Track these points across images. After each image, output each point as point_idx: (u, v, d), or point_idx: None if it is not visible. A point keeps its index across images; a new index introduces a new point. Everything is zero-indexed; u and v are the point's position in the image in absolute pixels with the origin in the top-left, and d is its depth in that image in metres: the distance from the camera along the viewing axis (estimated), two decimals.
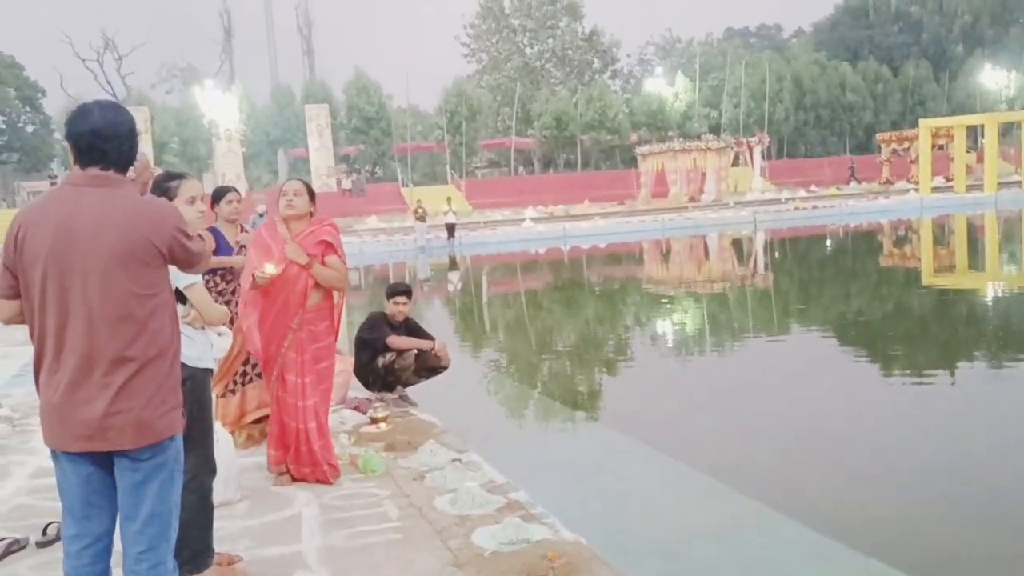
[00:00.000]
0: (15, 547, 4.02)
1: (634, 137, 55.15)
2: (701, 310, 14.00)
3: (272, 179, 53.04)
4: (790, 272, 19.00)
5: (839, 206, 33.63)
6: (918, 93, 63.73)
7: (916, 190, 38.06)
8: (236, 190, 5.66)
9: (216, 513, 3.63)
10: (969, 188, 37.46)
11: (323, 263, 4.78)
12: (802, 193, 41.66)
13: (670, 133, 54.03)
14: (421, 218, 27.18)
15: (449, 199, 28.71)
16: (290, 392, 4.80)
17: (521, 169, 59.77)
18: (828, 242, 25.66)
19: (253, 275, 4.67)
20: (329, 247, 4.82)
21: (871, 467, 5.77)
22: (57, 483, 2.69)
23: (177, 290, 3.10)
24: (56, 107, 54.57)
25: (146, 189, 2.83)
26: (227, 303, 5.21)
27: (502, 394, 8.94)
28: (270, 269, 4.62)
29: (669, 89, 59.20)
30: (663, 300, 15.31)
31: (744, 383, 8.57)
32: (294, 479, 4.87)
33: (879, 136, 49.26)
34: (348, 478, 4.93)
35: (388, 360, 6.66)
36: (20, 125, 57.15)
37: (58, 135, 51.67)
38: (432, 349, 6.73)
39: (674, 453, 6.09)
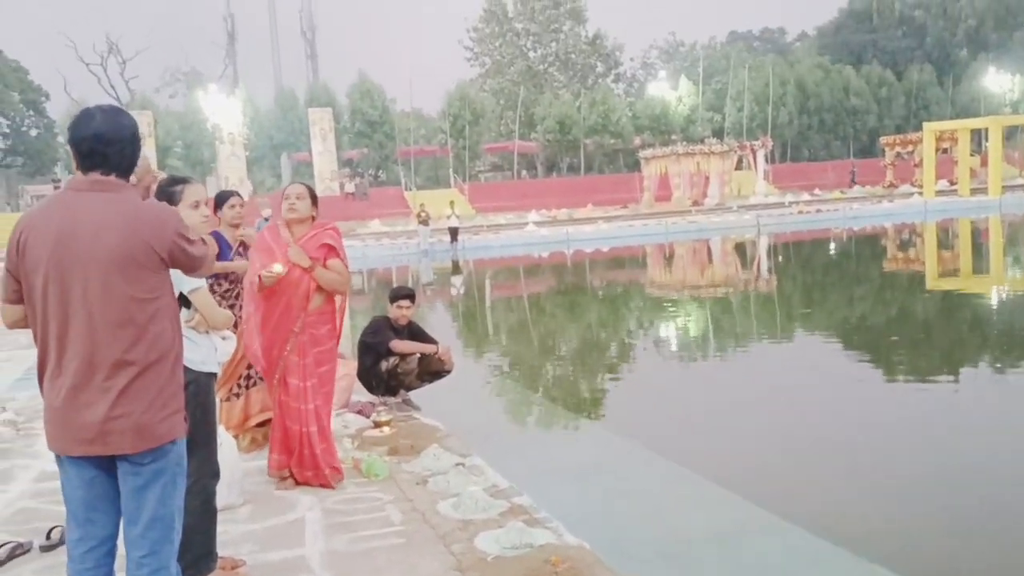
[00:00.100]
0: (19, 551, 4.03)
1: (637, 141, 55.13)
2: (704, 314, 13.99)
3: (276, 183, 53.07)
4: (793, 276, 18.98)
5: (843, 210, 33.59)
6: (922, 97, 63.68)
7: (920, 194, 38.01)
8: (239, 194, 5.67)
9: (219, 517, 3.64)
10: (973, 192, 37.42)
11: (325, 266, 4.79)
12: (806, 197, 41.63)
13: (673, 137, 54.05)
14: (424, 222, 27.18)
15: (452, 203, 28.73)
16: (293, 396, 4.81)
17: (524, 173, 59.77)
18: (832, 246, 25.64)
19: (259, 276, 4.68)
20: (331, 250, 4.83)
21: (875, 474, 5.76)
22: (61, 487, 2.70)
23: (181, 294, 3.10)
24: (60, 111, 54.71)
25: (148, 193, 2.84)
26: (231, 307, 5.21)
27: (505, 398, 8.94)
28: (278, 268, 4.63)
29: (672, 93, 59.20)
30: (666, 304, 15.29)
31: (748, 388, 8.56)
32: (297, 483, 4.87)
33: (883, 140, 49.24)
34: (351, 482, 4.93)
35: (391, 364, 6.66)
36: (24, 129, 57.30)
37: (62, 139, 51.75)
38: (435, 353, 6.73)
39: (678, 458, 6.08)
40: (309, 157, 48.79)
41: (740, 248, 25.86)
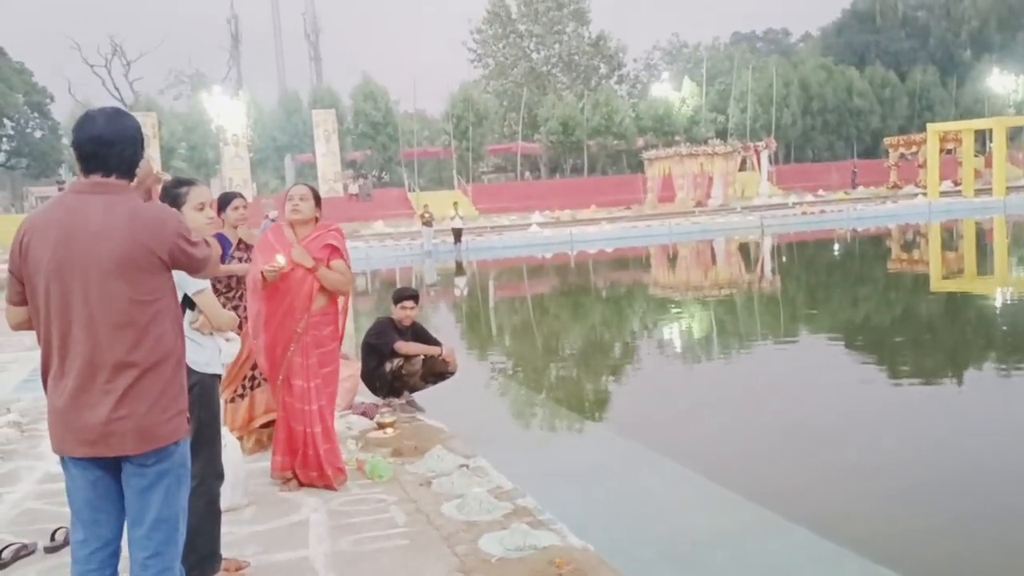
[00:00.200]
0: (24, 552, 4.03)
1: (641, 142, 55.11)
2: (708, 315, 13.97)
3: (279, 184, 53.12)
4: (798, 277, 18.96)
5: (847, 210, 33.55)
6: (925, 98, 63.57)
7: (924, 194, 37.94)
8: (242, 196, 5.67)
9: (223, 518, 3.64)
10: (977, 192, 37.33)
11: (329, 267, 4.79)
12: (809, 198, 41.58)
13: (677, 138, 53.99)
14: (428, 223, 27.20)
15: (456, 204, 28.74)
16: (297, 397, 4.81)
17: (527, 174, 59.79)
18: (836, 247, 25.60)
19: (262, 272, 4.69)
20: (335, 251, 4.84)
21: (879, 475, 5.75)
22: (65, 488, 2.70)
23: (186, 296, 3.10)
24: (64, 113, 54.82)
25: (150, 195, 2.84)
26: (235, 308, 5.22)
27: (509, 399, 8.93)
28: (281, 260, 4.63)
29: (676, 94, 59.17)
30: (670, 305, 15.28)
31: (753, 389, 8.55)
32: (301, 484, 4.87)
33: (887, 141, 49.16)
34: (355, 484, 4.93)
35: (396, 366, 6.66)
36: (28, 131, 57.41)
37: (66, 141, 51.84)
38: (440, 355, 6.73)
39: (682, 459, 6.07)
40: (313, 159, 48.85)
41: (744, 249, 25.84)
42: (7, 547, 4.01)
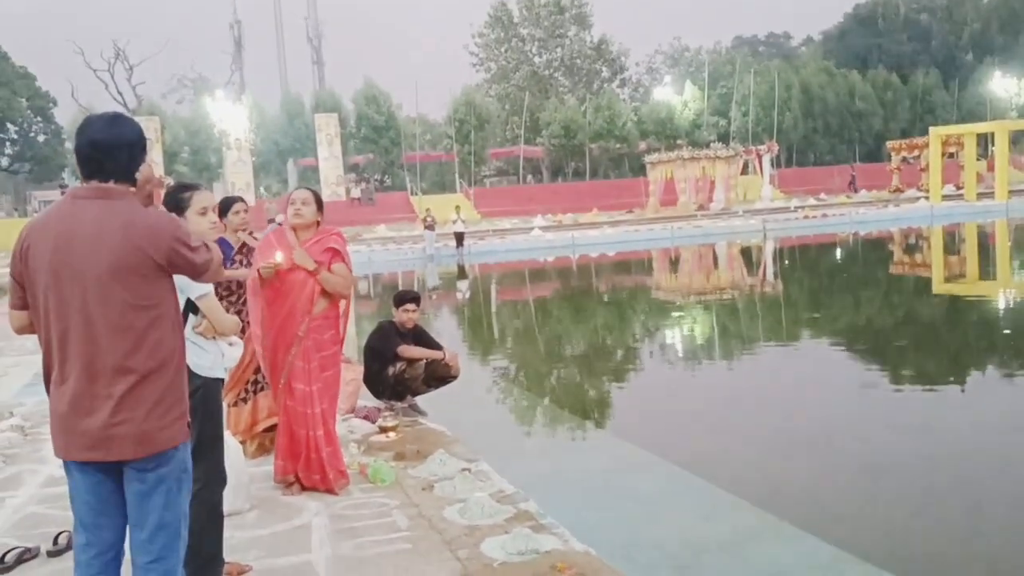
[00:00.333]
0: (27, 556, 4.04)
1: (643, 146, 55.15)
2: (711, 319, 13.96)
3: (282, 188, 53.22)
4: (800, 281, 18.94)
5: (849, 214, 33.52)
6: (927, 101, 63.57)
7: (926, 198, 37.90)
8: (243, 200, 5.68)
9: (226, 523, 3.64)
10: (980, 196, 37.28)
11: (330, 270, 4.80)
12: (811, 201, 41.55)
13: (679, 141, 53.98)
14: (430, 227, 27.21)
15: (458, 208, 28.75)
16: (298, 400, 4.82)
17: (530, 178, 59.83)
18: (838, 251, 25.58)
19: (259, 271, 4.70)
20: (336, 255, 4.86)
21: (884, 479, 5.74)
22: (68, 492, 2.71)
23: (189, 300, 3.11)
24: (67, 117, 54.98)
25: (150, 200, 2.84)
26: (237, 313, 5.22)
27: (512, 403, 8.93)
28: (278, 257, 4.65)
29: (678, 98, 59.22)
30: (672, 309, 15.27)
31: (755, 393, 8.54)
32: (304, 488, 4.88)
33: (889, 144, 49.09)
34: (357, 488, 4.93)
35: (398, 369, 6.66)
36: (32, 135, 57.58)
37: (69, 145, 51.95)
38: (442, 359, 6.74)
39: (685, 464, 6.06)
40: (315, 162, 48.95)
41: (746, 253, 25.83)
42: (10, 551, 4.02)
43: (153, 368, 2.58)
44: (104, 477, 2.63)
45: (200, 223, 3.38)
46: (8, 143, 56.95)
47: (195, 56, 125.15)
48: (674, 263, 24.18)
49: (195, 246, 2.69)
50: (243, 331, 4.80)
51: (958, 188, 40.32)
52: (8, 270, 2.77)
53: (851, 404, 7.76)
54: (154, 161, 39.30)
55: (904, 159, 46.59)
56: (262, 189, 52.95)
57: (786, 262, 23.52)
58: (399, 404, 6.79)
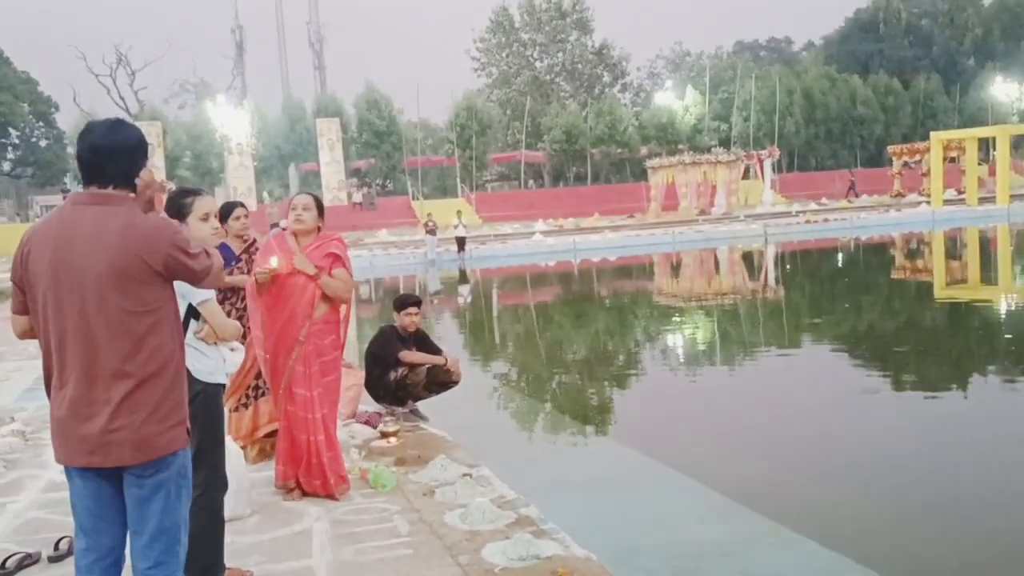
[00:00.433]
0: (28, 561, 4.04)
1: (644, 150, 55.20)
2: (712, 324, 13.96)
3: (284, 193, 53.33)
4: (801, 286, 18.94)
5: (850, 219, 33.52)
6: (929, 106, 63.58)
7: (928, 203, 37.90)
8: (243, 205, 5.69)
9: (227, 528, 3.64)
10: (981, 201, 37.27)
11: (330, 275, 4.81)
12: (813, 206, 41.55)
13: (680, 146, 54.01)
14: (431, 231, 27.23)
15: (459, 212, 28.78)
16: (299, 405, 4.82)
17: (531, 182, 59.87)
18: (839, 255, 25.58)
19: (256, 277, 4.71)
20: (337, 259, 4.86)
21: (887, 486, 5.73)
22: (70, 497, 2.71)
23: (190, 305, 3.12)
24: (69, 122, 55.06)
25: (151, 206, 2.84)
26: (239, 318, 5.22)
27: (513, 409, 8.93)
28: (273, 262, 4.66)
29: (679, 102, 59.25)
30: (674, 314, 15.27)
31: (757, 399, 8.54)
32: (304, 493, 4.88)
33: (890, 149, 49.06)
34: (358, 493, 4.93)
35: (400, 375, 6.66)
36: (34, 140, 57.70)
37: (71, 150, 52.05)
38: (444, 364, 6.74)
39: (686, 469, 6.06)
40: (317, 167, 49.01)
41: (747, 257, 25.83)
42: (11, 556, 4.02)
43: (151, 373, 2.58)
44: (104, 482, 2.63)
45: (202, 229, 3.39)
46: (10, 148, 57.05)
47: (197, 61, 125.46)
48: (675, 268, 24.18)
49: (194, 252, 2.69)
50: (244, 336, 4.81)
51: (959, 193, 40.33)
52: (10, 275, 2.78)
53: (851, 409, 7.76)
54: (155, 166, 39.36)
55: (905, 164, 46.57)
56: (266, 194, 53.06)
57: (787, 267, 23.52)
58: (400, 409, 6.79)
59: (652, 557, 4.62)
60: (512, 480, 5.04)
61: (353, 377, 6.71)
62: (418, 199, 47.77)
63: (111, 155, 2.62)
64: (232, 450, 4.31)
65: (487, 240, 32.44)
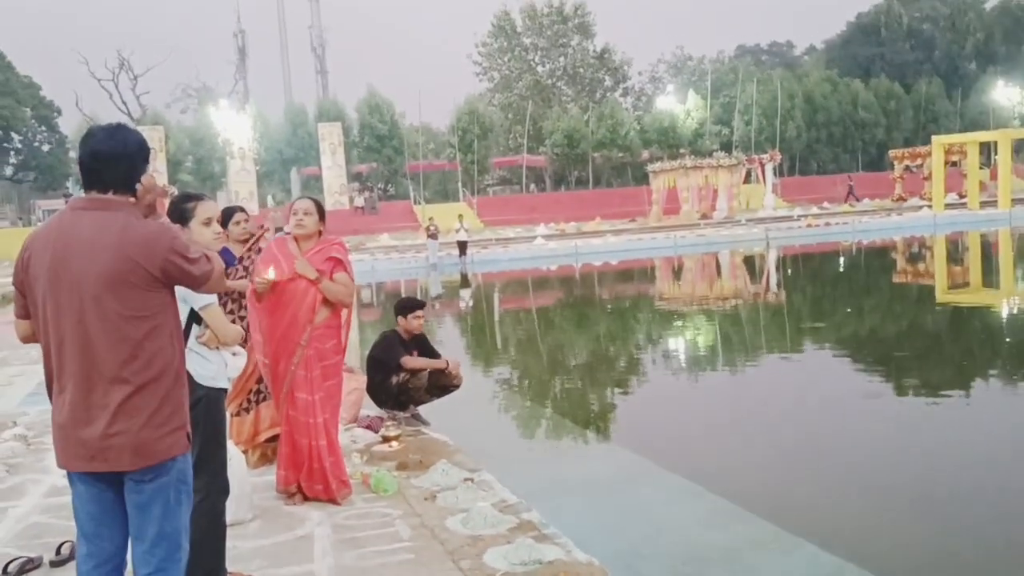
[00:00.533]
0: (29, 566, 4.04)
1: (645, 154, 55.17)
2: (714, 328, 13.95)
3: (285, 197, 53.26)
4: (803, 290, 18.92)
5: (852, 223, 33.50)
6: (931, 110, 63.56)
7: (929, 207, 37.89)
8: (244, 209, 5.70)
9: (228, 532, 3.64)
10: (983, 205, 37.26)
11: (331, 279, 4.82)
12: (814, 210, 41.54)
13: (682, 150, 54.04)
14: (433, 236, 27.24)
15: (461, 216, 28.78)
16: (301, 410, 4.82)
17: (533, 187, 59.87)
18: (841, 259, 25.56)
19: (254, 287, 4.72)
20: (338, 263, 4.87)
21: (888, 490, 5.72)
22: (72, 502, 2.71)
23: (193, 310, 3.12)
24: (72, 126, 55.14)
25: (152, 210, 2.84)
26: (240, 321, 5.23)
27: (514, 413, 8.92)
28: (271, 274, 4.66)
29: (681, 106, 59.25)
30: (675, 318, 15.26)
31: (759, 403, 8.53)
32: (306, 498, 4.87)
33: (892, 153, 49.06)
34: (360, 497, 4.93)
35: (402, 379, 6.67)
36: (36, 144, 57.81)
37: (73, 154, 52.09)
38: (445, 368, 6.75)
39: (689, 474, 6.05)
40: (319, 171, 49.03)
41: (749, 261, 25.82)
42: (13, 561, 4.02)
43: (149, 379, 2.58)
44: (105, 487, 2.63)
45: (204, 233, 3.39)
46: (12, 152, 57.18)
47: (199, 66, 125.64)
48: (677, 272, 24.18)
49: (193, 257, 2.68)
50: (245, 340, 4.81)
51: (961, 197, 40.31)
52: (12, 279, 2.79)
53: (853, 413, 7.75)
54: (157, 171, 39.39)
55: (907, 168, 46.55)
56: (270, 198, 53.07)
57: (789, 271, 23.50)
58: (401, 414, 6.79)
59: (654, 562, 4.62)
60: (514, 484, 5.04)
61: (355, 381, 6.71)
62: (420, 203, 47.80)
63: (111, 160, 2.62)
64: (234, 455, 4.31)
65: (489, 244, 32.44)
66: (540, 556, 3.84)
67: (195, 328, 3.25)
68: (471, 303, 20.41)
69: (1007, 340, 11.62)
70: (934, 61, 69.35)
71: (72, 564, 3.34)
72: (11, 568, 3.97)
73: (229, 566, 3.62)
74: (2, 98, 52.26)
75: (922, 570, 4.56)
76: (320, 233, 4.93)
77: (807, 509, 5.44)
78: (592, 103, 59.72)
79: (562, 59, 64.92)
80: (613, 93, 66.21)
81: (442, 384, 6.79)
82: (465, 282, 24.58)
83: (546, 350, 12.97)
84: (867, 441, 6.84)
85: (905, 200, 44.28)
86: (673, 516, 5.39)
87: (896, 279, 19.79)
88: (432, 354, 6.94)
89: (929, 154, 40.95)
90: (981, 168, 42.00)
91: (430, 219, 28.89)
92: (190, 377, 3.06)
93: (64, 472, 2.70)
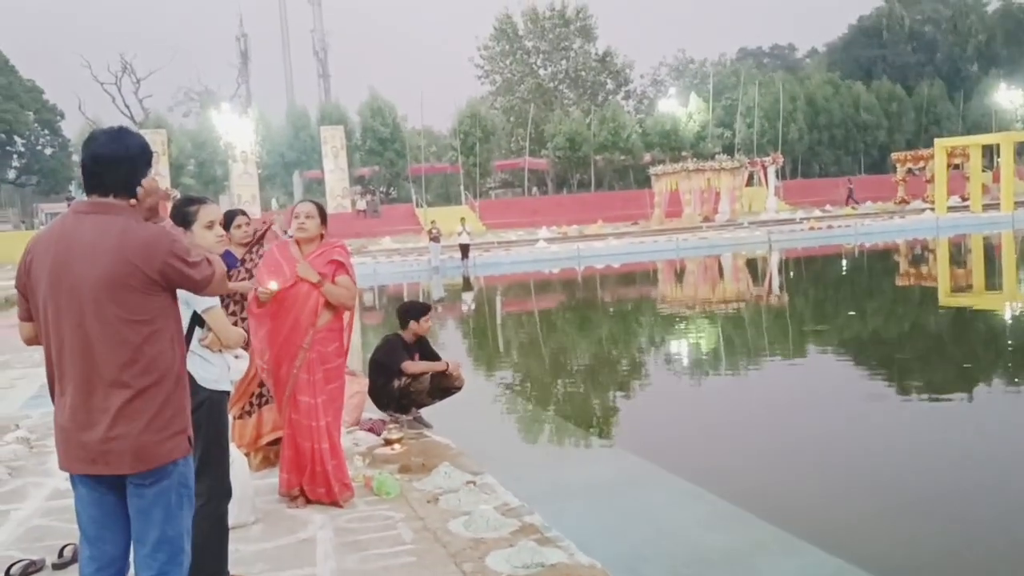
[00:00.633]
0: (32, 569, 4.04)
1: (647, 157, 55.22)
2: (716, 331, 13.94)
3: (288, 200, 53.33)
4: (806, 293, 18.91)
5: (854, 226, 33.49)
6: (933, 113, 63.55)
7: (932, 210, 37.86)
8: (245, 213, 5.71)
9: (231, 536, 3.64)
10: (985, 207, 37.23)
11: (334, 282, 4.82)
12: (817, 213, 41.52)
13: (684, 153, 54.06)
14: (435, 239, 27.25)
15: (463, 220, 28.78)
16: (303, 413, 4.82)
17: (535, 190, 59.91)
18: (844, 262, 25.54)
19: (255, 293, 4.72)
20: (340, 267, 4.87)
21: (892, 492, 5.71)
22: (74, 505, 2.71)
23: (195, 313, 3.12)
24: (74, 130, 55.22)
25: (154, 213, 2.84)
26: (242, 322, 5.23)
27: (517, 416, 8.92)
28: (273, 286, 4.67)
29: (682, 109, 59.31)
30: (678, 321, 15.25)
31: (761, 406, 8.52)
32: (308, 501, 4.87)
33: (894, 155, 49.02)
34: (362, 500, 4.92)
35: (404, 383, 6.67)
36: (39, 148, 57.90)
37: (76, 158, 52.22)
38: (446, 369, 6.75)
39: (691, 476, 6.04)
40: (321, 175, 49.11)
41: (752, 264, 25.80)
42: (15, 563, 4.03)
43: (150, 383, 2.58)
44: (107, 491, 2.63)
45: (207, 237, 3.39)
46: (15, 156, 57.28)
47: (202, 69, 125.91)
48: (679, 275, 24.16)
49: (194, 260, 2.68)
50: (248, 343, 4.81)
51: (963, 200, 40.27)
52: (15, 282, 2.80)
53: (856, 416, 7.73)
54: (160, 174, 39.43)
55: (909, 170, 46.53)
56: (274, 201, 53.14)
57: (791, 274, 23.49)
58: (404, 417, 6.79)
59: (657, 565, 4.61)
60: (516, 487, 5.03)
61: (357, 384, 6.71)
62: (422, 206, 47.85)
63: (112, 164, 2.62)
64: (236, 458, 4.31)
65: (491, 247, 32.44)
66: (542, 559, 3.83)
67: (197, 331, 3.26)
68: (473, 306, 20.41)
69: (1009, 343, 11.60)
70: (936, 63, 69.35)
71: (74, 567, 3.34)
72: (13, 571, 3.98)
73: (231, 569, 3.62)
74: (5, 102, 52.36)
75: (923, 572, 4.55)
76: (322, 236, 4.93)
77: (808, 511, 5.43)
78: (594, 106, 59.79)
79: (564, 62, 65.00)
80: (615, 96, 66.30)
81: (444, 386, 6.79)
82: (467, 285, 24.58)
83: (548, 353, 12.96)
84: (869, 443, 6.83)
85: (907, 203, 44.24)
86: (675, 518, 5.39)
87: (899, 282, 19.78)
88: (433, 357, 6.95)
89: (931, 157, 40.94)
90: (983, 171, 41.97)
91: (432, 222, 28.90)
92: (192, 380, 3.06)
93: (67, 475, 2.70)
